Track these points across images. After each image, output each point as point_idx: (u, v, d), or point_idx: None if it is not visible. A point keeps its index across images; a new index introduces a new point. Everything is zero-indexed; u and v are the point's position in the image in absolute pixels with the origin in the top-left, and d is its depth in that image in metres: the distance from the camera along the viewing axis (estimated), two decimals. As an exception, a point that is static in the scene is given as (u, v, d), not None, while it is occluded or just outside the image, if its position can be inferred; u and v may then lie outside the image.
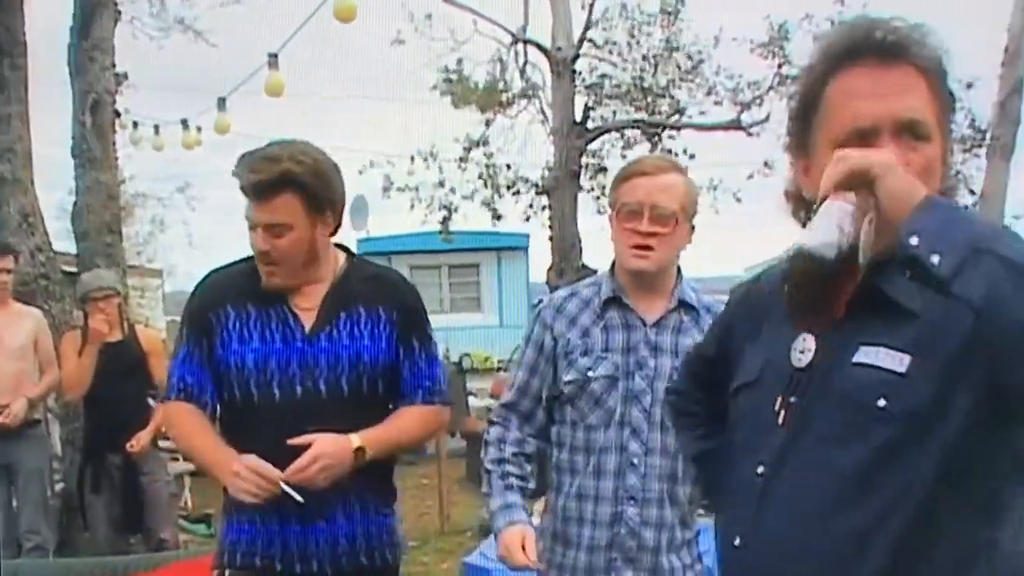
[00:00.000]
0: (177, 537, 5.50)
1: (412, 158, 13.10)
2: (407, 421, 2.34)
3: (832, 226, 1.22)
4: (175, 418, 2.36)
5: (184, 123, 10.19)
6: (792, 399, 1.37)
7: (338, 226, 2.32)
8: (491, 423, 2.40)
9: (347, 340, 2.25)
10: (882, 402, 1.27)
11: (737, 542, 1.41)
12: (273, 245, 2.20)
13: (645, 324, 2.28)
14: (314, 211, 2.21)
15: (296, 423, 2.17)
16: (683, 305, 2.30)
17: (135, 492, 5.02)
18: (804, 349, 1.39)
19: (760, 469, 1.38)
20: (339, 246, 2.38)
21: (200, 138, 10.26)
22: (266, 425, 2.20)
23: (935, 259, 1.13)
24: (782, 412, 1.38)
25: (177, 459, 5.98)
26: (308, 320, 2.26)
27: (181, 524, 6.39)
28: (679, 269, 2.35)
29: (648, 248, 2.20)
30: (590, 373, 2.25)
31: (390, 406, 2.35)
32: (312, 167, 2.19)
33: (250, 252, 2.28)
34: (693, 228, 2.32)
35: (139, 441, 4.90)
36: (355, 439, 2.18)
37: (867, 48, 1.34)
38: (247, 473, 2.10)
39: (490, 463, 2.33)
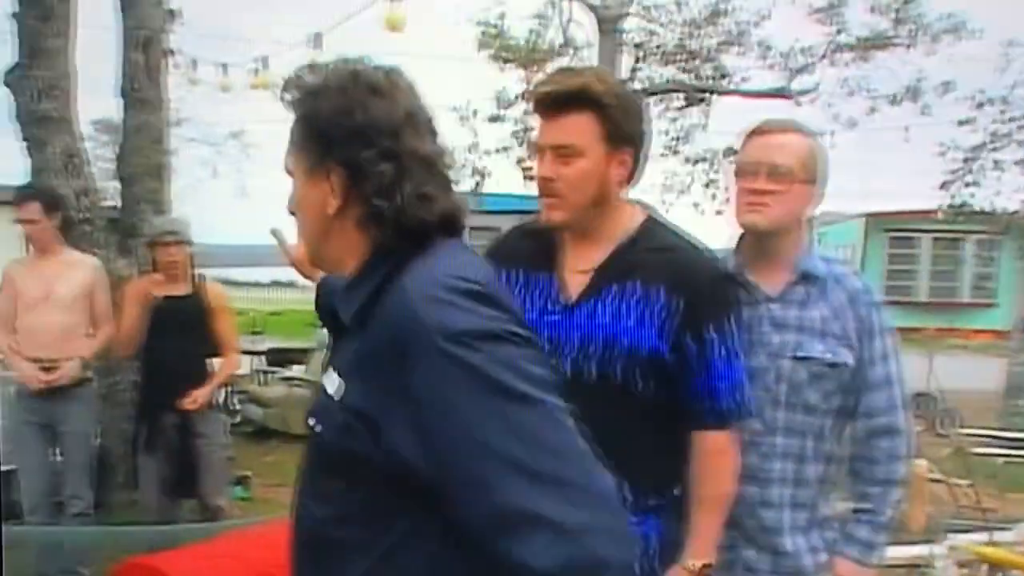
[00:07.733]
0: (231, 504, 5.21)
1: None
2: (706, 492, 1.99)
3: None
4: None
5: (265, 61, 9.72)
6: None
7: (635, 176, 1.99)
8: None
9: (608, 318, 1.90)
10: (312, 421, 1.29)
11: None
12: (559, 173, 1.91)
13: (767, 299, 2.19)
14: (611, 143, 1.91)
15: None
16: (806, 277, 2.18)
17: (190, 455, 4.68)
18: None
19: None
20: (639, 203, 2.05)
21: (268, 80, 9.70)
22: None
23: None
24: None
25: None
26: (576, 288, 1.96)
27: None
28: (806, 238, 2.24)
29: (762, 204, 2.11)
30: None
31: (659, 409, 1.95)
32: (616, 89, 1.91)
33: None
34: (822, 193, 2.20)
35: (196, 398, 4.57)
36: (691, 564, 1.97)
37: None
38: None
39: None
